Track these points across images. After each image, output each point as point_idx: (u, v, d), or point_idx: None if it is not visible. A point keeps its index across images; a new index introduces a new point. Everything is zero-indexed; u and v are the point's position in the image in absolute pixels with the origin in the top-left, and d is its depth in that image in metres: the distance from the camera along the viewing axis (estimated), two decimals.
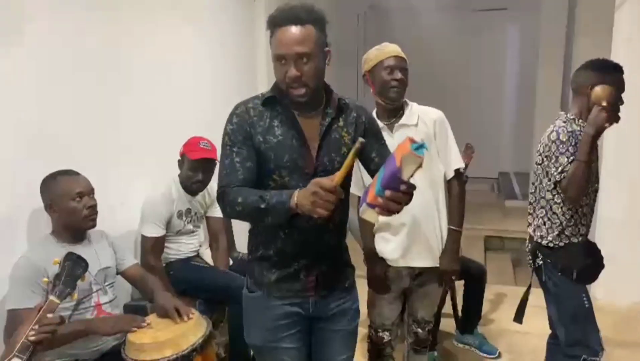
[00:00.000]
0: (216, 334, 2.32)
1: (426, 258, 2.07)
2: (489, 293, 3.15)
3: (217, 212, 2.74)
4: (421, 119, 2.05)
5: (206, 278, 2.50)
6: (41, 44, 2.06)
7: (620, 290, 3.38)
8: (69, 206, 1.86)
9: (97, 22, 2.36)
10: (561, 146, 1.91)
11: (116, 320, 1.88)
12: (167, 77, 2.92)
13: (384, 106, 2.03)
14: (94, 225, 1.94)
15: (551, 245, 2.02)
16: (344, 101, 1.55)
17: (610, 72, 1.94)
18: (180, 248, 2.59)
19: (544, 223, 2.04)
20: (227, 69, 3.59)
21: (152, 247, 2.41)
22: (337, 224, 1.55)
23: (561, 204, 1.99)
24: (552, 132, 1.96)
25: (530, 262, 2.13)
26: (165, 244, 2.52)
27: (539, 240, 2.06)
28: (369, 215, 1.26)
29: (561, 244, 2.01)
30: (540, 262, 2.07)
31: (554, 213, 2.01)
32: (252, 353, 2.33)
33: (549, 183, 1.99)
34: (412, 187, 1.26)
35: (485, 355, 2.92)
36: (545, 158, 1.98)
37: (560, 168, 1.91)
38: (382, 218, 1.97)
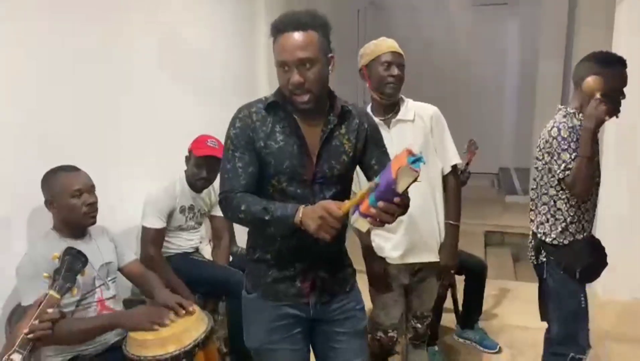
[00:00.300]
0: (217, 329, 2.32)
1: (425, 253, 2.08)
2: (490, 288, 3.16)
3: (220, 211, 2.74)
4: (418, 115, 2.05)
5: (205, 273, 2.51)
6: (40, 43, 2.06)
7: (621, 285, 3.38)
8: (68, 203, 1.85)
9: (97, 21, 2.35)
10: (563, 142, 1.88)
11: (141, 315, 1.86)
12: (167, 76, 2.91)
13: (379, 101, 2.03)
14: (93, 222, 1.93)
15: (555, 242, 2.00)
16: (347, 108, 1.53)
17: (612, 65, 1.91)
18: (180, 243, 2.59)
19: (547, 220, 2.02)
20: (227, 69, 3.58)
21: (152, 238, 2.41)
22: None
23: (565, 200, 1.96)
24: (552, 127, 1.93)
25: (533, 258, 2.11)
26: (166, 238, 2.52)
27: (543, 237, 2.04)
28: (361, 223, 1.29)
29: (565, 242, 1.99)
30: (544, 259, 2.05)
31: (558, 209, 1.98)
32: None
33: (552, 179, 1.96)
34: (407, 200, 1.27)
35: (485, 349, 2.93)
36: (546, 155, 1.95)
37: (563, 166, 1.88)
38: None
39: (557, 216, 1.99)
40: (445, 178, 2.11)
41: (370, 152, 1.55)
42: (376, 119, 1.95)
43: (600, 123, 1.84)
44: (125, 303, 2.20)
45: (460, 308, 3.09)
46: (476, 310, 3.03)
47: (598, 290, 3.35)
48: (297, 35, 1.37)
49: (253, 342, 1.60)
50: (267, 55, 3.86)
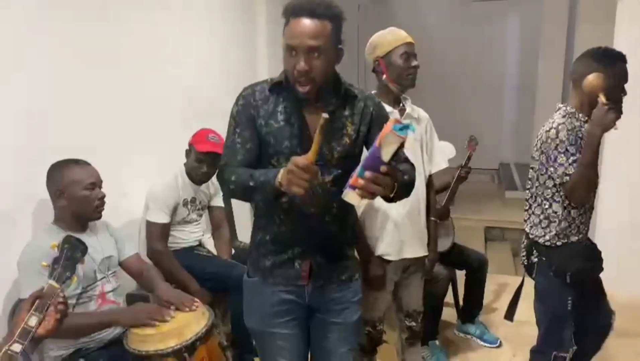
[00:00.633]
0: (219, 323, 2.33)
1: (417, 248, 2.10)
2: (490, 283, 3.16)
3: (220, 201, 2.77)
4: (419, 116, 2.10)
5: (208, 267, 2.51)
6: (42, 38, 2.05)
7: (622, 282, 3.38)
8: (82, 194, 1.87)
9: (99, 16, 2.35)
10: (560, 145, 1.81)
11: (139, 312, 1.87)
12: (171, 70, 2.91)
13: (395, 92, 2.01)
14: (100, 217, 1.95)
15: (548, 243, 1.95)
16: (352, 91, 1.53)
17: (612, 62, 1.84)
18: (184, 236, 2.60)
19: (541, 222, 1.97)
20: (228, 61, 3.57)
21: (158, 233, 2.41)
22: (335, 215, 1.53)
23: (561, 203, 1.90)
24: (551, 128, 1.86)
25: (524, 258, 2.08)
26: (170, 232, 2.52)
27: (535, 238, 1.99)
28: (351, 197, 1.26)
29: (558, 243, 1.94)
30: (535, 259, 2.01)
31: (554, 212, 1.92)
32: (254, 341, 2.35)
33: (548, 181, 1.91)
34: (394, 169, 1.27)
35: (486, 344, 2.94)
36: (542, 156, 1.89)
37: (561, 170, 1.81)
38: (381, 218, 2.00)
39: (551, 219, 1.94)
40: (429, 178, 2.16)
41: (375, 134, 1.51)
42: (388, 108, 1.96)
43: (607, 130, 1.76)
44: (128, 297, 2.21)
45: (460, 302, 3.10)
46: (477, 305, 3.03)
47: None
48: (310, 23, 1.36)
49: (253, 323, 1.63)
50: (267, 46, 3.86)
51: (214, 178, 2.60)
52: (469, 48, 6.97)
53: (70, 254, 1.31)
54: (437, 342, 2.78)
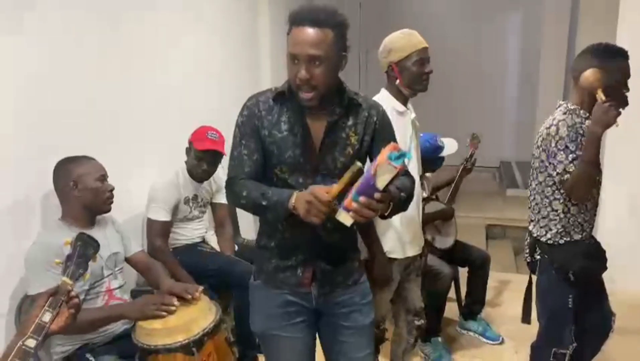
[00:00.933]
0: (225, 318, 2.34)
1: (417, 246, 2.12)
2: (491, 280, 3.17)
3: (222, 198, 2.75)
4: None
5: (211, 264, 2.52)
6: (48, 33, 2.06)
7: (623, 280, 3.39)
8: (94, 186, 1.91)
9: (104, 12, 2.36)
10: (560, 142, 1.80)
11: (144, 304, 1.88)
12: (175, 65, 2.92)
13: (406, 95, 2.02)
14: (110, 209, 1.98)
15: (550, 241, 1.95)
16: (356, 100, 1.52)
17: (611, 58, 1.81)
18: (187, 233, 2.62)
19: (542, 219, 1.96)
20: (231, 59, 3.58)
21: (158, 231, 2.43)
22: (337, 223, 1.50)
23: (561, 201, 1.89)
24: (551, 125, 1.84)
25: (527, 255, 2.08)
26: (173, 230, 2.54)
27: (538, 236, 1.99)
28: (344, 217, 1.29)
29: (561, 241, 1.93)
30: (538, 257, 2.01)
31: (554, 210, 1.91)
32: (258, 342, 2.36)
33: (548, 179, 1.89)
34: (389, 196, 1.28)
35: (488, 341, 2.95)
36: (542, 153, 1.87)
37: (561, 167, 1.80)
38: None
39: (551, 216, 1.93)
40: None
41: (378, 145, 1.52)
42: (401, 108, 1.98)
43: (607, 128, 1.74)
44: (132, 293, 2.23)
45: (463, 300, 3.11)
46: (479, 302, 3.04)
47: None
48: (312, 32, 1.37)
49: (257, 327, 1.63)
50: (270, 46, 3.87)
51: (215, 175, 2.62)
52: (470, 45, 6.96)
53: (83, 251, 1.32)
54: (439, 339, 2.79)
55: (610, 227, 3.41)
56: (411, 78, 1.96)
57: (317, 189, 1.30)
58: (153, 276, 2.12)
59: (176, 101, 2.93)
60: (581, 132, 1.82)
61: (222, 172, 2.55)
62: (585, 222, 1.95)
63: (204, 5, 3.25)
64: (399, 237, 2.03)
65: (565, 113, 1.87)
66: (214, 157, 2.48)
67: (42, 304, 1.23)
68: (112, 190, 1.97)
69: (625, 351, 2.77)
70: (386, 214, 1.37)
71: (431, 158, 2.76)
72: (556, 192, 1.89)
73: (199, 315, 1.86)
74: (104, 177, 1.95)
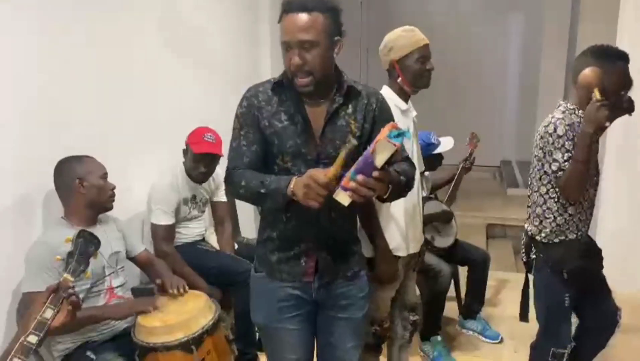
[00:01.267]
0: (225, 317, 2.35)
1: (419, 242, 2.13)
2: (491, 280, 3.18)
3: (222, 196, 2.77)
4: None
5: (212, 262, 2.53)
6: (47, 31, 2.06)
7: (624, 280, 3.39)
8: (99, 183, 1.94)
9: (107, 12, 2.37)
10: (557, 140, 1.80)
11: (129, 305, 1.93)
12: (179, 66, 2.93)
13: (408, 92, 2.01)
14: (112, 207, 2.01)
15: (545, 240, 1.95)
16: (356, 88, 1.53)
17: (610, 60, 1.81)
18: (187, 232, 2.62)
19: (537, 217, 1.96)
20: (234, 58, 3.59)
21: (164, 235, 2.43)
22: (340, 212, 1.52)
23: (556, 199, 1.89)
24: (549, 123, 1.85)
25: (524, 254, 2.08)
26: None
27: (533, 235, 1.99)
28: (342, 197, 1.28)
29: (556, 240, 1.94)
30: (533, 256, 2.02)
31: (549, 208, 1.91)
32: (257, 335, 2.37)
33: (544, 177, 1.90)
34: (386, 175, 1.28)
35: (488, 340, 2.95)
36: (539, 151, 1.88)
37: (556, 165, 1.81)
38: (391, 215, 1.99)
39: (546, 215, 1.93)
40: None
41: (378, 132, 1.50)
42: (403, 106, 1.99)
43: (599, 128, 1.74)
44: (133, 291, 2.24)
45: (462, 298, 3.12)
46: (478, 301, 3.05)
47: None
48: (301, 17, 1.38)
49: (259, 318, 1.65)
50: (271, 43, 3.87)
51: (214, 174, 2.62)
52: (471, 44, 6.96)
53: (84, 248, 1.33)
54: (439, 338, 2.80)
55: (610, 227, 3.41)
56: (413, 75, 1.96)
57: (315, 172, 1.30)
58: (156, 275, 2.14)
59: (177, 101, 2.93)
60: (579, 131, 1.82)
61: (220, 170, 2.55)
62: (580, 222, 1.95)
63: (207, 6, 3.25)
64: (402, 235, 2.03)
65: (564, 112, 1.88)
66: (211, 159, 2.48)
67: (43, 301, 1.24)
68: (113, 188, 2.00)
69: (625, 350, 2.77)
70: (385, 196, 1.36)
71: (426, 155, 2.76)
72: (551, 190, 1.90)
73: (198, 313, 1.87)
74: (105, 175, 1.99)
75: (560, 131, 1.81)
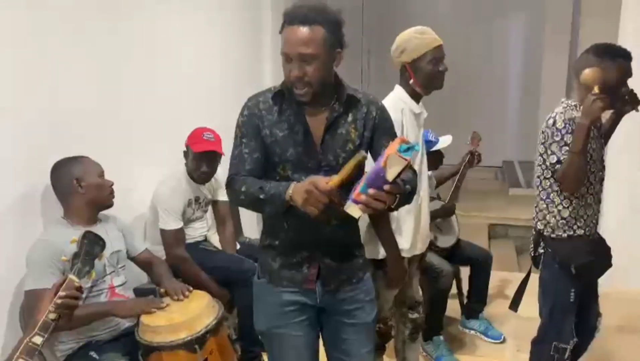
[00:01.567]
0: (228, 316, 2.36)
1: (424, 243, 2.13)
2: (493, 279, 3.18)
3: (223, 196, 2.76)
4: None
5: (214, 262, 2.53)
6: (48, 31, 2.07)
7: (625, 278, 3.39)
8: (97, 181, 1.95)
9: (111, 12, 2.38)
10: (556, 133, 1.85)
11: (135, 302, 1.93)
12: (179, 65, 2.93)
13: (419, 94, 1.99)
14: (112, 204, 2.02)
15: (553, 235, 1.98)
16: (355, 96, 1.53)
17: (611, 58, 1.85)
18: (190, 233, 2.62)
19: (542, 212, 2.00)
20: (234, 58, 3.59)
21: (175, 240, 2.43)
22: (342, 220, 1.51)
23: (559, 192, 1.93)
24: (549, 118, 1.91)
25: (532, 249, 2.11)
26: None
27: (541, 230, 2.02)
28: (352, 210, 1.29)
29: (564, 235, 1.96)
30: (541, 251, 2.04)
31: (552, 201, 1.95)
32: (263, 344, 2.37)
33: (546, 171, 1.94)
34: (397, 188, 1.29)
35: (490, 340, 2.95)
36: (541, 145, 1.93)
37: (555, 158, 1.86)
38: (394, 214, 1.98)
39: (550, 208, 1.96)
40: None
41: (379, 141, 1.54)
42: (418, 109, 1.99)
43: (595, 120, 1.80)
44: (135, 291, 2.25)
45: (465, 298, 3.12)
46: (481, 301, 3.05)
47: (603, 281, 3.36)
48: (302, 30, 1.39)
49: (261, 325, 1.64)
50: (273, 44, 3.88)
51: (216, 174, 2.63)
52: (473, 45, 6.95)
53: (90, 249, 1.34)
54: (441, 338, 2.80)
55: (611, 226, 3.40)
56: (425, 77, 1.94)
57: (316, 179, 1.31)
58: (156, 275, 2.15)
59: (177, 100, 2.93)
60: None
61: (221, 171, 2.55)
62: (587, 217, 1.97)
63: (210, 6, 3.26)
64: (413, 236, 2.03)
65: (565, 107, 1.92)
66: (211, 157, 2.49)
67: (48, 301, 1.25)
68: (111, 185, 2.01)
69: (625, 350, 2.77)
70: (393, 206, 1.37)
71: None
72: (554, 183, 1.94)
73: (202, 313, 1.87)
74: (102, 173, 2.00)
75: (559, 125, 1.85)
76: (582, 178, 1.88)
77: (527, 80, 6.79)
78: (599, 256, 2.01)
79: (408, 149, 1.21)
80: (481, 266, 2.99)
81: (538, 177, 2.00)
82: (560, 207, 1.94)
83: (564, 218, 1.95)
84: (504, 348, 2.91)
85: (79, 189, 1.91)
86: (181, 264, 2.36)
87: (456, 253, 2.95)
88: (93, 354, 1.86)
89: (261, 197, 1.41)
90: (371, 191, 1.25)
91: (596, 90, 1.78)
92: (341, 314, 1.61)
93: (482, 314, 3.06)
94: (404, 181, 1.42)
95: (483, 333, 2.99)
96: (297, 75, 1.41)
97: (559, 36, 5.62)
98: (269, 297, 1.59)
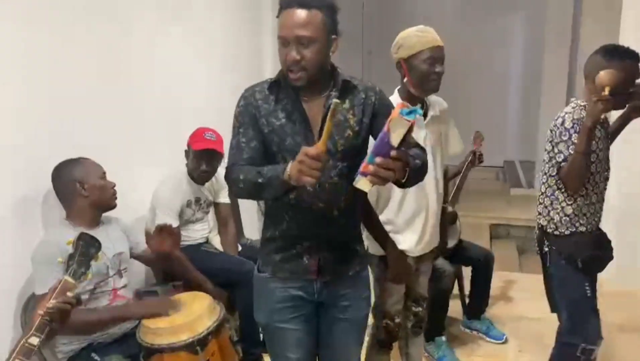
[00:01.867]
0: (229, 318, 2.35)
1: (434, 241, 2.12)
2: (495, 280, 3.18)
3: (225, 198, 2.78)
4: (440, 109, 2.06)
5: (216, 264, 2.54)
6: (48, 31, 2.07)
7: (625, 278, 3.39)
8: (100, 183, 1.95)
9: (110, 13, 2.38)
10: (564, 133, 1.89)
11: (150, 305, 1.93)
12: (179, 66, 2.93)
13: (416, 96, 1.94)
14: (115, 205, 2.02)
15: (557, 232, 2.01)
16: (352, 83, 1.52)
17: (619, 58, 1.87)
18: (191, 235, 2.62)
19: (546, 208, 2.03)
20: (235, 58, 3.60)
21: None
22: (342, 210, 1.54)
23: (563, 189, 1.97)
24: (558, 117, 1.95)
25: (537, 248, 2.13)
26: None
27: (545, 227, 2.05)
28: (362, 183, 1.26)
29: (567, 232, 1.99)
30: (546, 249, 2.06)
31: (556, 198, 1.99)
32: (262, 336, 2.37)
33: (552, 169, 1.98)
34: (404, 154, 1.27)
35: (492, 340, 2.95)
36: (548, 144, 1.97)
37: (561, 157, 1.90)
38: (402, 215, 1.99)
39: (554, 205, 2.00)
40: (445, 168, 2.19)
41: (380, 124, 1.48)
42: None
43: (596, 122, 1.81)
44: (137, 294, 2.24)
45: (467, 299, 3.11)
46: (483, 301, 3.05)
47: (604, 279, 3.36)
48: (300, 13, 1.38)
49: (261, 318, 1.65)
50: (273, 41, 3.87)
51: (217, 175, 2.63)
52: (473, 45, 6.94)
53: (85, 250, 1.33)
54: (443, 338, 2.80)
55: (610, 226, 3.40)
56: (419, 77, 1.89)
57: (306, 147, 1.28)
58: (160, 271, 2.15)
59: (178, 101, 2.93)
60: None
61: (222, 171, 2.55)
62: (590, 215, 2.00)
63: (206, 5, 3.26)
64: (417, 234, 2.03)
65: (574, 107, 1.95)
66: (211, 157, 2.49)
67: (45, 302, 1.24)
68: (113, 186, 2.01)
69: (626, 349, 2.77)
70: (403, 180, 1.34)
71: None
72: (559, 181, 1.97)
73: (203, 314, 1.87)
74: (104, 174, 2.00)
75: (567, 124, 1.89)
76: (584, 177, 1.90)
77: (528, 80, 6.77)
78: (601, 248, 2.05)
79: (410, 112, 1.19)
80: (483, 266, 2.99)
81: (544, 174, 2.03)
82: (564, 204, 1.98)
83: (567, 215, 1.98)
84: (506, 349, 2.91)
85: (82, 191, 1.91)
86: (175, 263, 2.33)
87: (458, 254, 2.95)
88: (94, 356, 1.86)
89: (260, 180, 1.39)
90: (378, 160, 1.22)
91: (606, 92, 1.80)
92: (336, 309, 1.63)
93: (484, 314, 3.05)
94: (413, 156, 1.41)
95: (485, 333, 2.98)
96: (295, 58, 1.39)
97: (559, 36, 5.61)
98: (270, 292, 1.60)
